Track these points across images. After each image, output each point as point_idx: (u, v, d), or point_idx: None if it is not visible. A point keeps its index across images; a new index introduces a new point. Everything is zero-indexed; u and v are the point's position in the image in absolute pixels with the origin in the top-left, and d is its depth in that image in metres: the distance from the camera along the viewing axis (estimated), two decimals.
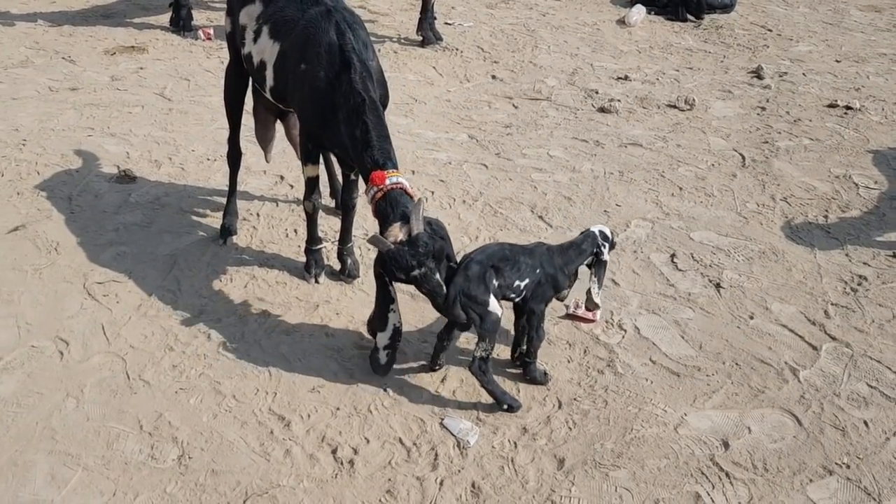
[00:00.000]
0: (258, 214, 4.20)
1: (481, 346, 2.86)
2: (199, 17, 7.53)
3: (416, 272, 2.76)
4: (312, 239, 3.60)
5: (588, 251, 3.13)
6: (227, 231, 3.89)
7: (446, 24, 7.75)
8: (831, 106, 5.97)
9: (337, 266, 3.69)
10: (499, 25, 7.79)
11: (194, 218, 4.17)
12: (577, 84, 6.33)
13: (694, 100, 5.88)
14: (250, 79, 3.76)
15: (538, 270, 3.00)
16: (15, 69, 6.16)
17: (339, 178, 4.07)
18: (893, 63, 7.10)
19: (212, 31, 7.00)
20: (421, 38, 7.05)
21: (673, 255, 3.98)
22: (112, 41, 6.87)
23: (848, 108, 5.90)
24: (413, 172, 4.75)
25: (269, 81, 3.42)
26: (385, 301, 2.95)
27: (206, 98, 5.72)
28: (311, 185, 3.46)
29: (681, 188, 4.67)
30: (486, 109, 5.80)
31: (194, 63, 6.47)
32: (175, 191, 4.43)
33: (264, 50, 3.41)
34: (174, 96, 5.77)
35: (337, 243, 3.66)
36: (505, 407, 2.90)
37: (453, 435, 2.79)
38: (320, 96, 3.15)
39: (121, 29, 7.20)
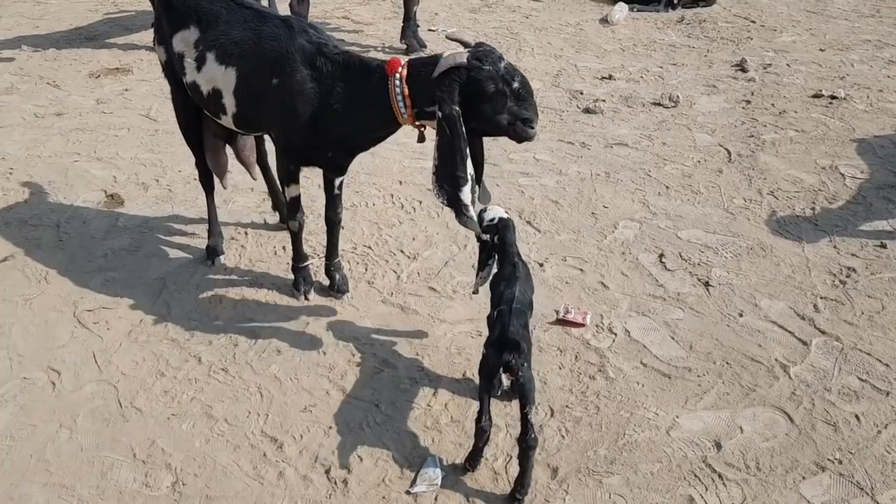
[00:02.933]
0: (246, 233, 4.21)
1: (532, 408, 2.55)
2: None
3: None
4: (299, 256, 3.61)
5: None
6: (213, 252, 3.89)
7: (430, 30, 7.76)
8: (816, 96, 5.98)
9: (326, 282, 3.70)
10: (482, 30, 7.80)
11: (182, 240, 4.18)
12: (562, 85, 6.34)
13: (678, 96, 5.89)
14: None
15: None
16: (0, 97, 6.16)
17: (281, 194, 4.10)
18: (878, 49, 7.11)
19: None
20: (405, 45, 7.06)
21: (661, 255, 3.99)
22: (96, 64, 6.88)
23: (833, 97, 5.92)
24: (400, 183, 4.76)
25: (231, 109, 3.33)
26: None
27: None
28: (295, 204, 3.46)
29: (667, 187, 4.68)
30: None
31: None
32: (163, 213, 4.44)
33: (215, 78, 3.31)
34: (160, 117, 5.78)
35: (325, 259, 3.67)
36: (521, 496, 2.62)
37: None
38: (306, 103, 3.07)
39: (104, 51, 7.21)
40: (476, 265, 3.17)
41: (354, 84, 3.04)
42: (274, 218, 4.31)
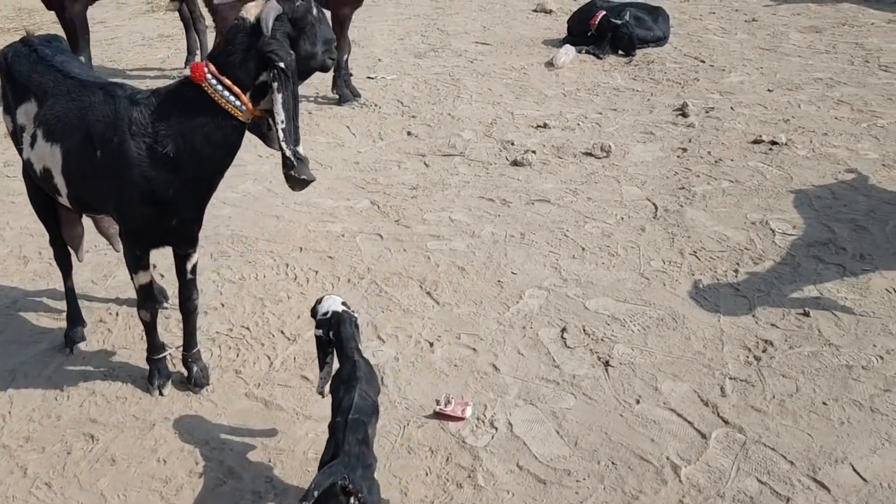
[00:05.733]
0: (118, 314, 3.89)
1: None
2: None
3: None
4: (154, 347, 3.28)
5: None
6: (70, 340, 3.57)
7: (368, 78, 7.52)
8: (756, 142, 5.70)
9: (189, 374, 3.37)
10: (423, 76, 7.56)
11: (50, 322, 3.86)
12: (494, 135, 6.07)
13: (610, 146, 5.60)
14: None
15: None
16: None
17: None
18: (828, 88, 6.85)
19: None
20: (337, 95, 6.80)
21: (563, 330, 3.66)
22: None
23: (773, 143, 5.63)
24: (300, 250, 4.45)
25: (63, 189, 3.06)
26: None
27: None
28: (146, 292, 3.14)
29: (583, 248, 4.37)
30: (394, 170, 5.52)
31: None
32: (36, 291, 4.13)
33: (44, 156, 3.04)
34: None
35: (181, 350, 3.35)
36: None
37: None
38: (137, 167, 2.75)
39: None
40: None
41: (176, 116, 2.78)
42: None
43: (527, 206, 4.90)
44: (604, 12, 8.13)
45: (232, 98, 2.74)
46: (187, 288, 3.19)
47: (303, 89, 7.18)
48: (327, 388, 2.70)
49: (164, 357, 3.34)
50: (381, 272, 4.20)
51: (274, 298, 3.98)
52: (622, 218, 4.71)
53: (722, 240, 4.42)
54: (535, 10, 10.13)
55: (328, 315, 2.71)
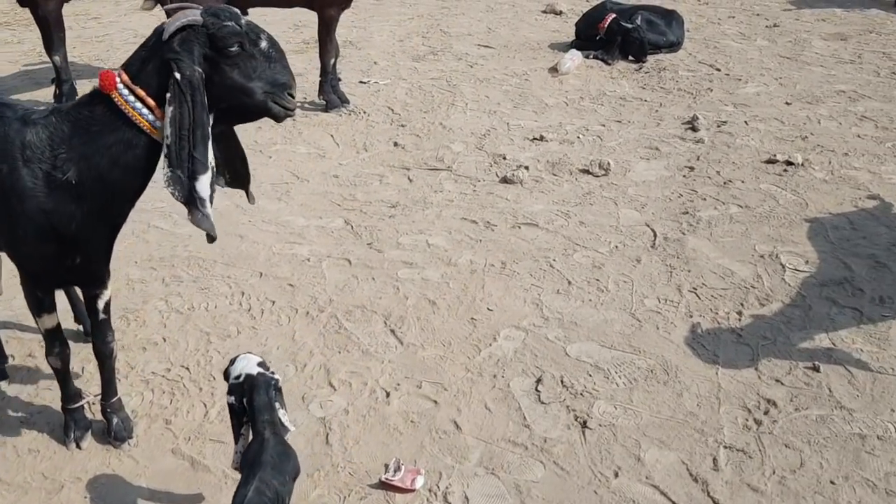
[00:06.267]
0: None
1: None
2: (87, 90, 6.95)
3: None
4: (68, 396, 2.90)
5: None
6: None
7: (361, 82, 7.12)
8: (769, 162, 5.24)
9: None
10: (419, 81, 7.15)
11: None
12: (486, 148, 5.65)
13: (609, 163, 5.16)
14: None
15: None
16: None
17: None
18: (851, 102, 6.37)
19: None
20: (324, 102, 6.41)
21: (539, 381, 3.25)
22: None
23: (788, 163, 5.17)
24: (260, 275, 4.07)
25: None
26: None
27: None
28: (52, 336, 2.76)
29: (570, 282, 3.95)
30: (375, 185, 5.13)
31: None
32: None
33: None
34: None
35: (100, 399, 2.97)
36: None
37: None
38: (31, 198, 2.39)
39: None
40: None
41: (80, 135, 2.40)
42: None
43: (512, 231, 4.48)
44: (614, 15, 7.68)
45: (145, 111, 2.37)
46: (100, 329, 2.81)
47: None
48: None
49: (81, 406, 2.96)
50: (343, 304, 3.81)
51: (222, 333, 3.60)
52: (616, 246, 4.28)
53: (726, 275, 3.97)
54: (545, 12, 9.69)
55: (241, 379, 2.32)
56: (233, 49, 2.31)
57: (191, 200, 2.34)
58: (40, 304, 2.67)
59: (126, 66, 2.42)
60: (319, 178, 5.24)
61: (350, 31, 8.96)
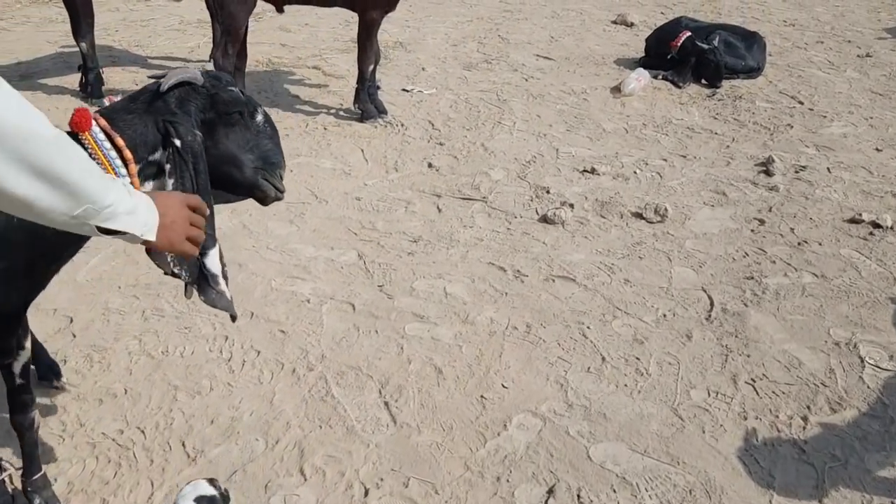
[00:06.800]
0: None
1: None
2: (114, 80, 6.61)
3: None
4: None
5: None
6: None
7: (404, 90, 6.61)
8: (853, 221, 4.53)
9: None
10: (466, 93, 6.59)
11: None
12: (529, 178, 5.07)
13: (666, 209, 4.53)
14: None
15: None
16: None
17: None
18: None
19: (118, 99, 6.02)
20: (360, 111, 5.91)
21: (551, 492, 2.67)
22: None
23: (876, 225, 4.46)
24: (251, 316, 3.58)
25: None
26: None
27: None
28: None
29: (604, 358, 3.35)
30: (399, 213, 4.60)
31: None
32: None
33: None
34: None
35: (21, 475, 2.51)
36: None
37: None
38: None
39: (28, 94, 6.31)
40: None
41: None
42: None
43: (545, 284, 3.90)
44: (689, 33, 7.00)
45: (118, 164, 1.95)
46: (17, 396, 2.35)
47: (326, 97, 6.33)
48: None
49: (1, 481, 2.51)
50: (336, 363, 3.29)
51: (192, 388, 3.12)
52: (664, 315, 3.67)
53: (792, 365, 3.33)
54: (615, 22, 9.02)
55: None
56: (233, 116, 2.13)
57: (202, 278, 2.10)
58: None
59: (106, 112, 2.04)
60: (340, 200, 4.74)
61: (403, 30, 8.46)
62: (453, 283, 3.89)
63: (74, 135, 1.94)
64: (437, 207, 4.68)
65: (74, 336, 3.42)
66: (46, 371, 3.06)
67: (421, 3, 9.81)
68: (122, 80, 6.67)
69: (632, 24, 8.85)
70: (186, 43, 7.81)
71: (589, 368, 3.30)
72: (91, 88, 6.14)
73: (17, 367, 2.30)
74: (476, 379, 3.22)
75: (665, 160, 5.39)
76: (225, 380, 3.18)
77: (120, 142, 1.95)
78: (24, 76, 6.77)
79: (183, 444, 2.84)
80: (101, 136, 1.94)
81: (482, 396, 3.13)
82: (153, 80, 2.09)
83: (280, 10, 5.73)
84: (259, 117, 2.21)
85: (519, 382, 3.21)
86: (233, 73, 5.60)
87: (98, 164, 1.92)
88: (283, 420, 2.97)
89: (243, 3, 5.26)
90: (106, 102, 5.72)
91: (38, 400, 2.98)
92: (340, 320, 3.59)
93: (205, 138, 2.09)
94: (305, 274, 3.95)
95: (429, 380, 3.21)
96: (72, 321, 3.52)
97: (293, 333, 3.48)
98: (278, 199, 2.26)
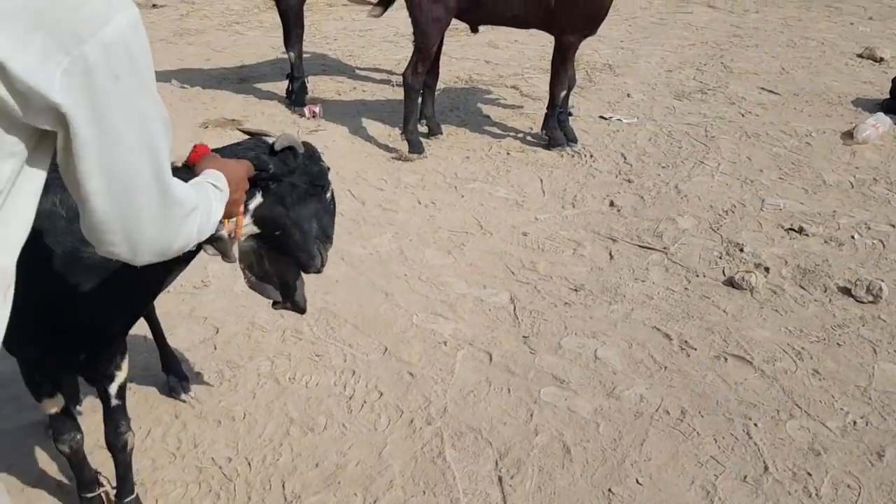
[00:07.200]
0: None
1: None
2: (320, 88, 6.82)
3: None
4: (83, 484, 2.48)
5: None
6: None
7: (601, 117, 6.21)
8: None
9: None
10: (670, 125, 6.06)
11: None
12: (723, 231, 4.49)
13: (882, 288, 3.79)
14: None
15: None
16: None
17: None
18: None
19: (318, 109, 6.20)
20: (547, 137, 5.62)
21: None
22: (219, 111, 6.37)
23: None
24: (385, 352, 3.43)
25: None
26: None
27: None
28: (59, 422, 2.34)
29: (766, 468, 2.80)
30: (566, 255, 4.26)
31: None
32: None
33: None
34: None
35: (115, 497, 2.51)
36: None
37: None
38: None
39: (241, 97, 6.70)
40: None
41: None
42: None
43: (714, 362, 3.38)
44: None
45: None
46: (112, 418, 2.34)
47: (518, 120, 6.10)
48: None
49: (99, 496, 2.53)
50: (457, 420, 3.03)
51: (306, 424, 3.01)
52: (854, 422, 3.02)
53: None
54: (860, 56, 7.96)
55: None
56: (315, 188, 2.23)
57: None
58: (39, 388, 2.27)
59: (220, 150, 2.04)
60: (505, 234, 4.48)
61: (615, 51, 8.03)
62: (606, 346, 3.49)
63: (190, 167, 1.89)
64: (610, 253, 4.28)
65: (215, 348, 3.45)
66: (176, 384, 3.09)
67: (641, 23, 9.29)
68: (326, 90, 6.88)
69: (881, 60, 7.74)
70: (395, 56, 7.93)
71: (746, 477, 2.77)
72: (294, 97, 6.38)
73: (113, 389, 2.29)
74: (608, 467, 2.82)
75: (893, 226, 4.56)
76: (341, 419, 3.04)
77: None
78: (244, 79, 7.20)
79: (283, 486, 2.72)
80: None
81: (610, 490, 2.72)
82: (249, 137, 2.17)
83: (474, 30, 5.58)
84: (329, 194, 2.34)
85: (657, 480, 2.76)
86: (422, 90, 5.54)
87: None
88: (387, 477, 2.77)
89: (437, 22, 5.16)
90: (307, 112, 5.88)
91: (165, 412, 3.03)
92: (473, 370, 3.33)
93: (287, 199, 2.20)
94: (450, 312, 3.74)
95: (554, 458, 2.86)
96: (217, 332, 3.57)
97: (421, 378, 3.27)
98: (318, 271, 2.31)
